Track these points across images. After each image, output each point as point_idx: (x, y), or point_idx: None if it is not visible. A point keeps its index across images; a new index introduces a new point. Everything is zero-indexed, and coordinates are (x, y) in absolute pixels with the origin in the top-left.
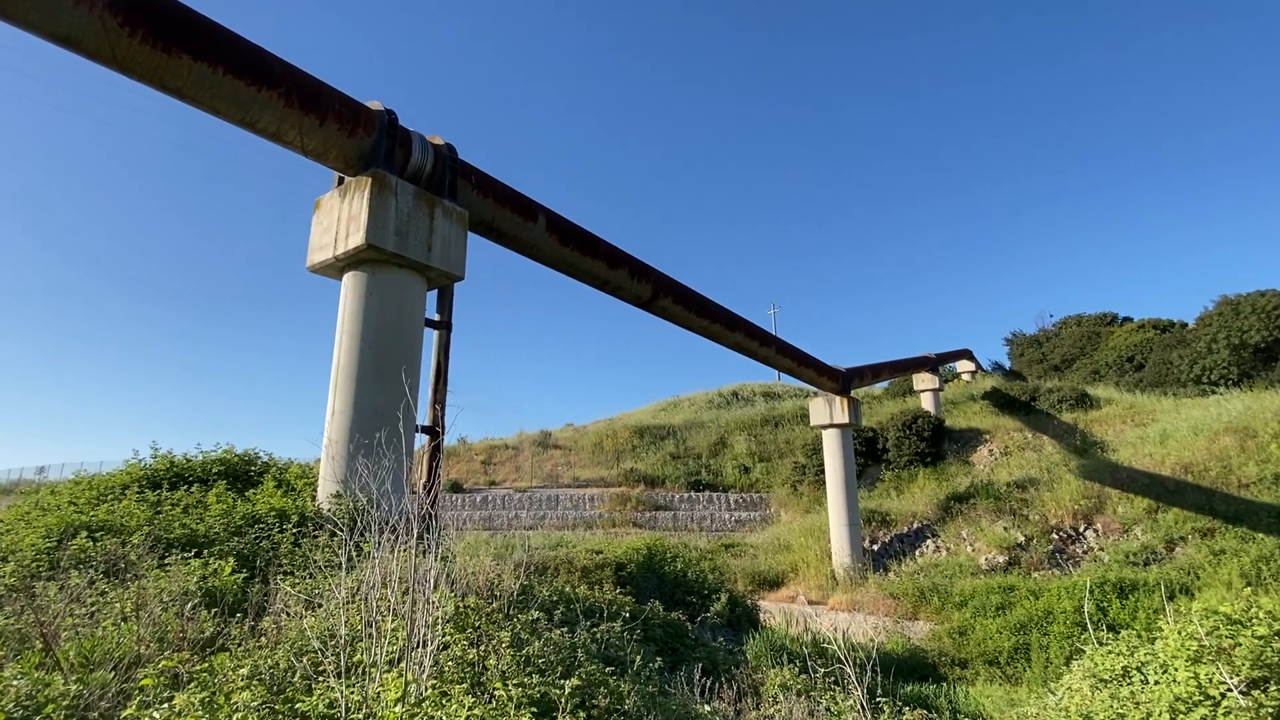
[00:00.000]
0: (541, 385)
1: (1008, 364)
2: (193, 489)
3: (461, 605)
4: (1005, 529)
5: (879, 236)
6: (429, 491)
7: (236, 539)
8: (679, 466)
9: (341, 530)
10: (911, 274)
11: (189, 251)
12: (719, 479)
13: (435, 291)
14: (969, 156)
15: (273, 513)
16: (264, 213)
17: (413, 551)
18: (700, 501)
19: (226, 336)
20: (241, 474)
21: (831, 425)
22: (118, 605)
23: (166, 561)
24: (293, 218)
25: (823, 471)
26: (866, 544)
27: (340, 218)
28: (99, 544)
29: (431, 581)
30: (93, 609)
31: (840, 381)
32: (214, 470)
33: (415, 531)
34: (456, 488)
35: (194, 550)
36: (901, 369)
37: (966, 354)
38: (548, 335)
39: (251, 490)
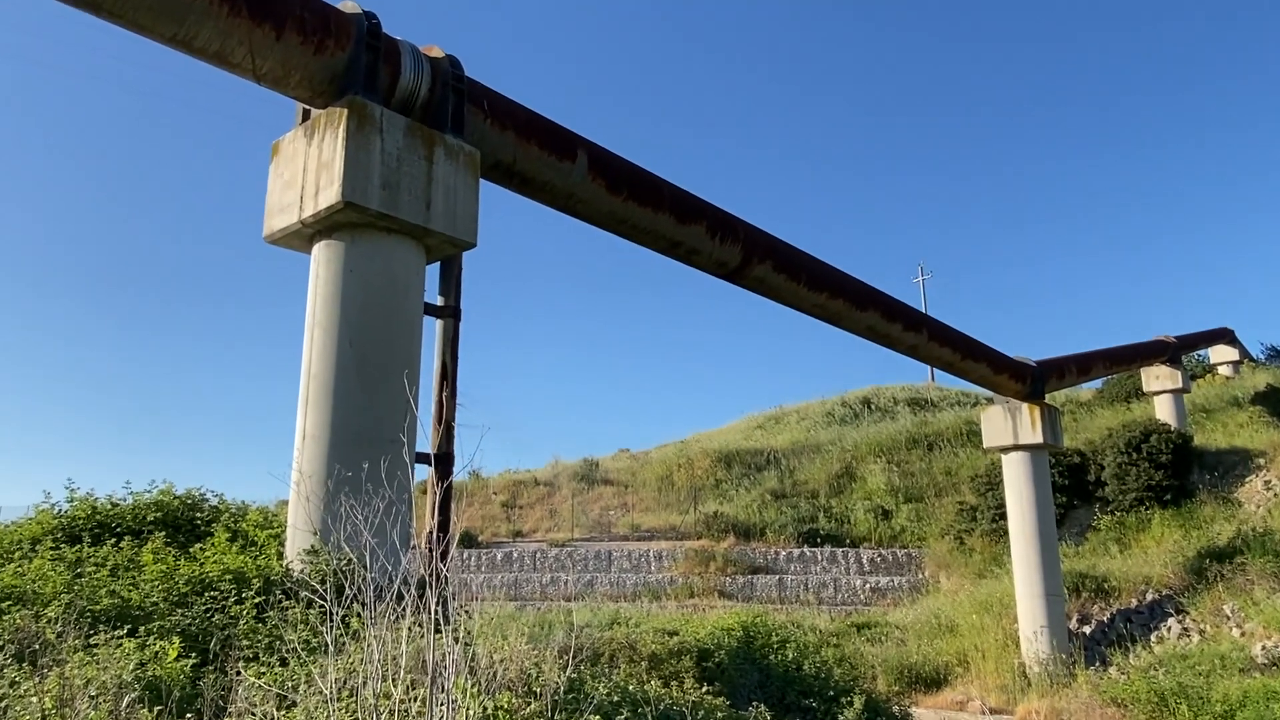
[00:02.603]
0: (583, 393)
1: None
2: (122, 544)
3: (491, 707)
4: None
5: (1088, 186)
6: (438, 544)
7: (181, 611)
8: (785, 510)
9: (321, 598)
10: (1132, 227)
11: (101, 225)
12: (845, 528)
13: (437, 265)
14: (1207, 88)
15: (227, 575)
16: (204, 166)
17: (429, 629)
18: (818, 561)
19: (158, 339)
20: (184, 523)
21: (1016, 447)
22: (34, 699)
23: (93, 641)
24: (244, 169)
25: (1002, 516)
26: (1073, 624)
27: (306, 167)
28: (6, 618)
29: (450, 671)
30: (3, 704)
31: (1028, 381)
32: (148, 518)
33: (428, 601)
34: (469, 541)
35: (127, 626)
36: (1122, 360)
37: (1225, 336)
38: (590, 320)
39: (198, 545)
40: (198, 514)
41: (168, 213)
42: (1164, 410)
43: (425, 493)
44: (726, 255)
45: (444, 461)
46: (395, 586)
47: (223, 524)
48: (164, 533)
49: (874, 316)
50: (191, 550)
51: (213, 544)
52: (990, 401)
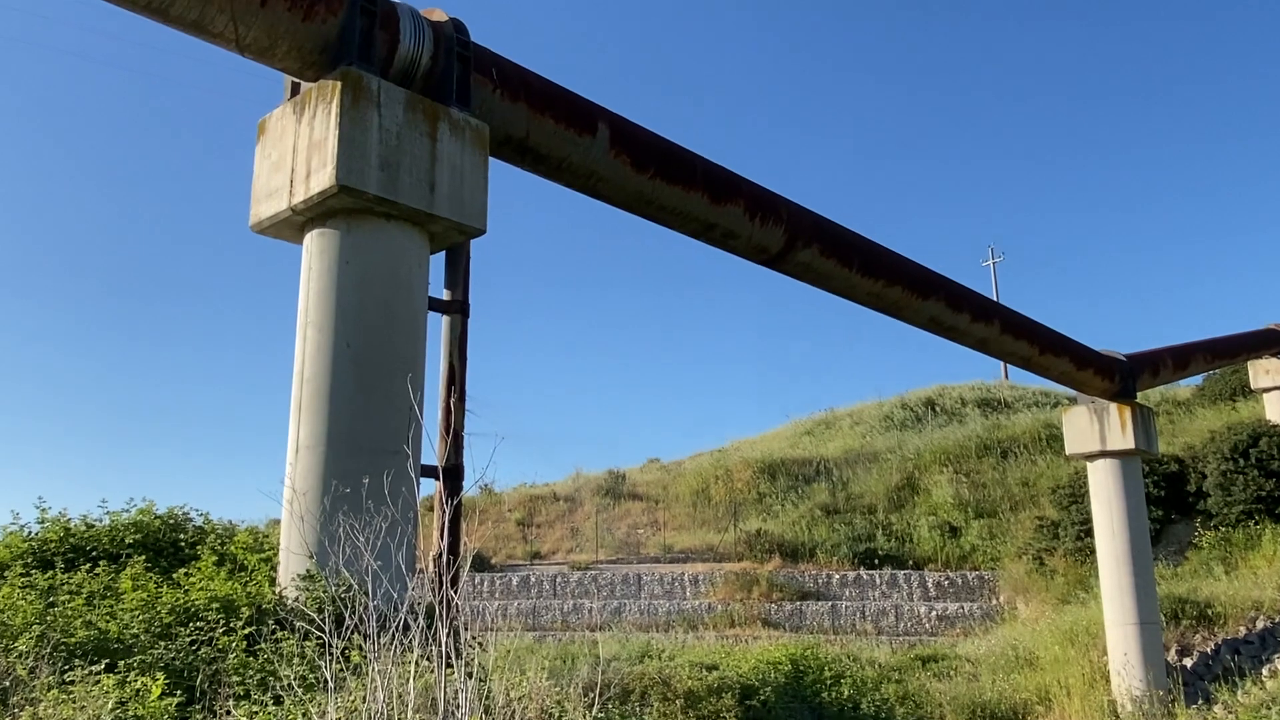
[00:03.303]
0: (606, 397)
1: None
2: (98, 569)
3: None
4: None
5: (1182, 165)
6: (448, 568)
7: (164, 644)
8: (837, 527)
9: (319, 629)
10: (1234, 209)
11: (69, 213)
12: (907, 547)
13: (443, 255)
14: None
15: (215, 604)
16: (185, 148)
17: (439, 663)
18: (876, 585)
19: (135, 340)
20: (166, 545)
21: (1103, 453)
22: None
23: (68, 678)
24: (228, 155)
25: (1088, 533)
26: (1171, 656)
27: (296, 147)
28: None
29: (464, 711)
30: None
31: (1117, 377)
32: (127, 540)
33: (438, 631)
34: (481, 564)
35: (105, 661)
36: (1226, 352)
37: None
38: (615, 318)
39: (182, 570)
40: (181, 535)
41: (145, 200)
42: (1275, 409)
43: (431, 510)
44: (767, 239)
45: (453, 475)
46: (401, 616)
47: (209, 546)
48: (144, 556)
49: (938, 306)
50: (175, 576)
51: (198, 569)
52: (1073, 401)
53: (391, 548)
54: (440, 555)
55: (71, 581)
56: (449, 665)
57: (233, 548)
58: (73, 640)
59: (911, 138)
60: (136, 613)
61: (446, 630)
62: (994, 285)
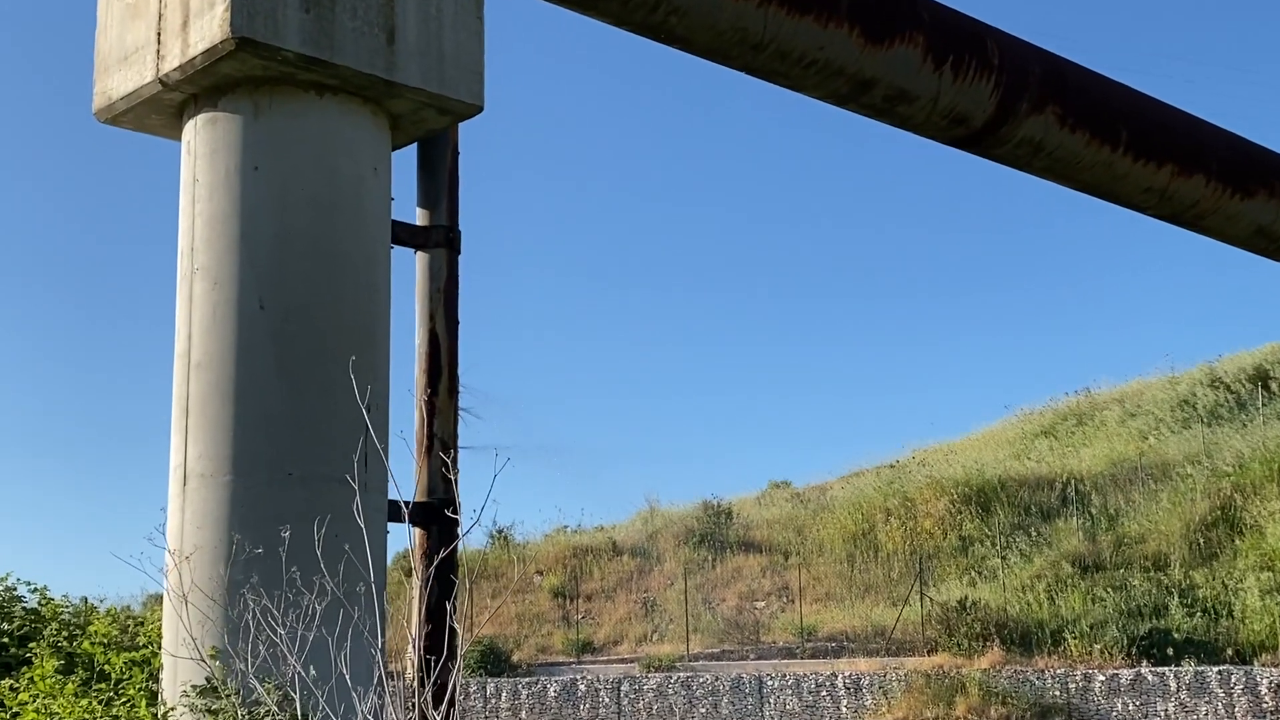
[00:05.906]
0: (688, 384)
1: None
2: None
3: None
4: None
5: None
6: (434, 668)
7: None
8: (1101, 593)
9: None
10: None
11: None
12: (1223, 625)
13: (414, 149)
14: None
15: None
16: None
17: None
18: (1171, 690)
19: None
20: None
21: None
22: None
23: None
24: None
25: None
26: None
27: None
28: None
29: None
30: None
31: None
32: None
33: None
34: (495, 662)
35: None
36: None
37: None
38: (697, 248)
39: (7, 680)
40: (4, 625)
41: None
42: None
43: (409, 574)
44: (967, 101)
45: (438, 515)
46: None
47: (48, 642)
48: None
49: (1272, 208)
50: None
51: (33, 678)
52: None
53: (336, 638)
54: (421, 650)
55: None
56: None
57: (86, 644)
58: None
59: None
60: None
61: None
62: None
